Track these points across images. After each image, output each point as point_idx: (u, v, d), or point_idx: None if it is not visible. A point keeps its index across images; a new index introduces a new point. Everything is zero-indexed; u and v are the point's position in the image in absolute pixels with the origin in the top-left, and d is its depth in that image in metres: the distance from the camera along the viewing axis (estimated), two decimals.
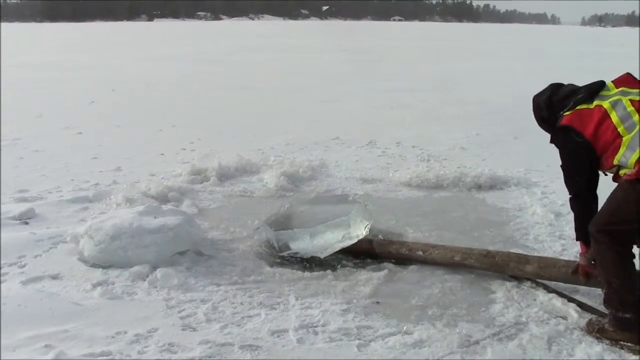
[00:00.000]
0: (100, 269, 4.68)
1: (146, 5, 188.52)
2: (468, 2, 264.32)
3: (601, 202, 3.81)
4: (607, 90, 3.88)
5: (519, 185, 7.11)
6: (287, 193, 6.97)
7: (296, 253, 4.94)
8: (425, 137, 10.19)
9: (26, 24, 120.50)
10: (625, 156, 3.61)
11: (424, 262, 4.80)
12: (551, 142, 4.04)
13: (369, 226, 5.17)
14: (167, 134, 10.60)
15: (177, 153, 9.01)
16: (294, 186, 7.18)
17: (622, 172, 3.67)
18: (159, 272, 4.52)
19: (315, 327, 3.86)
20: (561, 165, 3.99)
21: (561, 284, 4.33)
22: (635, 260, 3.69)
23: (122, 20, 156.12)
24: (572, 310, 4.03)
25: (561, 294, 4.23)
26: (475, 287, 4.46)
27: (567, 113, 3.89)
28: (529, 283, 4.43)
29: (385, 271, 4.67)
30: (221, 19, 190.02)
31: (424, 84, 18.38)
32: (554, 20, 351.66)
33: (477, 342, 3.67)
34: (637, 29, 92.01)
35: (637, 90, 3.76)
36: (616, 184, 3.75)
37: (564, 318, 3.96)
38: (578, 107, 3.86)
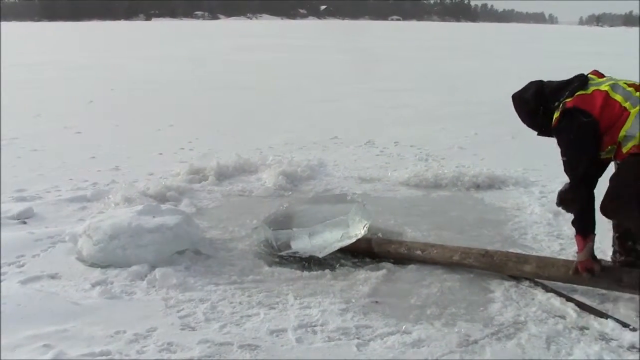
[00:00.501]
0: (99, 269, 4.68)
1: (144, 5, 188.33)
2: (466, 1, 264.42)
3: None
4: (593, 80, 4.15)
5: (517, 184, 7.12)
6: (286, 192, 6.97)
7: (295, 252, 4.94)
8: (423, 136, 10.19)
9: (23, 24, 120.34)
10: (634, 127, 3.84)
11: (422, 261, 4.80)
12: (555, 130, 4.12)
13: (367, 225, 5.17)
14: (165, 134, 10.60)
15: (176, 152, 9.01)
16: (292, 185, 7.18)
17: (626, 147, 3.88)
18: (157, 272, 4.52)
19: (314, 326, 3.86)
20: (565, 153, 4.07)
21: (559, 284, 4.33)
22: None
23: (119, 19, 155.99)
24: (570, 310, 4.03)
25: (559, 294, 4.23)
26: (473, 286, 4.46)
27: (568, 100, 4.04)
28: (527, 282, 4.43)
29: (384, 271, 4.67)
30: (219, 18, 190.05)
31: (422, 84, 18.38)
32: (552, 20, 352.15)
33: (475, 342, 3.67)
34: (634, 28, 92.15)
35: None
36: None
37: (563, 317, 3.96)
38: (578, 93, 4.04)
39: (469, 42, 49.39)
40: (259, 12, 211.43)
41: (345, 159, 8.60)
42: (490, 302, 4.21)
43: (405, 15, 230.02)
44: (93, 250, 4.77)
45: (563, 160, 4.11)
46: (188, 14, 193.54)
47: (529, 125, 4.43)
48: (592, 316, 3.96)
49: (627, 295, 4.15)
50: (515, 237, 5.52)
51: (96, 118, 12.23)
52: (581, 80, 4.15)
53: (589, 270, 4.09)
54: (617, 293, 4.19)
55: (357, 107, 14.04)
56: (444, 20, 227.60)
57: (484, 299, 4.26)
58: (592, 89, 4.06)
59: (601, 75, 4.23)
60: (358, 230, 5.04)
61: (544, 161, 7.60)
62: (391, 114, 12.88)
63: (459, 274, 4.63)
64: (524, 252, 4.84)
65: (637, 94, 3.97)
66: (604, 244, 4.69)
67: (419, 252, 4.83)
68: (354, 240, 4.99)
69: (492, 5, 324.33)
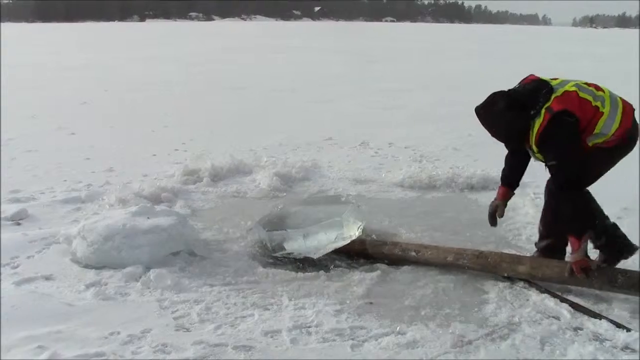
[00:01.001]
0: (93, 270, 4.68)
1: (138, 6, 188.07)
2: (460, 2, 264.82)
3: None
4: (554, 82, 4.28)
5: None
6: (280, 193, 6.98)
7: (289, 253, 4.95)
8: (417, 137, 10.20)
9: (18, 24, 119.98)
10: (606, 126, 4.09)
11: (417, 262, 4.82)
12: (543, 136, 4.10)
13: (361, 227, 5.18)
14: (159, 135, 10.58)
15: (170, 154, 9.00)
16: (286, 187, 7.19)
17: (592, 142, 4.15)
18: (152, 273, 4.51)
19: (309, 327, 3.87)
20: (559, 156, 4.09)
21: (554, 284, 4.35)
22: None
23: (114, 20, 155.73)
24: (564, 311, 4.05)
25: (554, 294, 4.25)
26: (468, 287, 4.48)
27: (548, 104, 4.09)
28: (521, 283, 4.45)
29: (379, 272, 4.68)
30: (213, 19, 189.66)
31: (416, 85, 18.39)
32: (545, 21, 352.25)
33: (470, 342, 3.68)
34: (628, 30, 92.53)
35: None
36: None
37: (557, 318, 3.98)
38: (555, 96, 4.11)
39: (463, 43, 49.39)
40: (254, 13, 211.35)
41: (340, 160, 8.61)
42: (484, 303, 4.23)
43: (399, 17, 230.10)
44: (87, 251, 4.76)
45: (553, 164, 4.11)
46: (182, 15, 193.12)
47: (504, 138, 4.46)
48: (586, 317, 3.98)
49: (621, 296, 4.17)
50: (509, 238, 5.54)
51: (90, 119, 12.19)
52: (547, 84, 4.22)
53: (584, 270, 4.11)
54: (611, 294, 4.21)
55: (351, 108, 14.04)
56: (437, 21, 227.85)
57: (478, 300, 4.27)
58: (561, 90, 4.16)
59: (554, 79, 4.34)
60: (352, 232, 5.05)
61: (537, 163, 7.59)
62: (385, 115, 12.90)
63: (453, 275, 4.64)
64: (518, 253, 4.85)
65: (599, 92, 4.18)
66: None
67: (413, 253, 4.84)
68: (348, 241, 5.00)
69: (485, 7, 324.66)
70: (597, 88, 4.23)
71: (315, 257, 4.89)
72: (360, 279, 4.55)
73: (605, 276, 4.12)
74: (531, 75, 4.45)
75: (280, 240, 4.95)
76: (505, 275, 4.51)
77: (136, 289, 4.38)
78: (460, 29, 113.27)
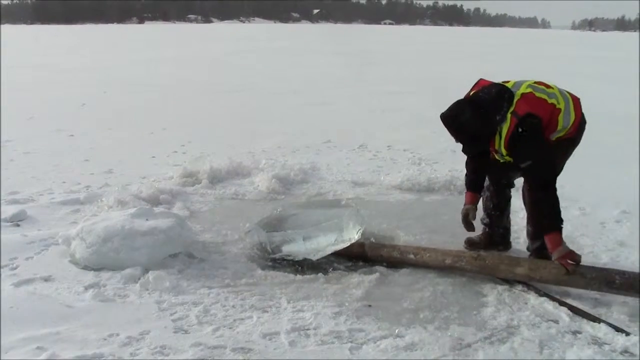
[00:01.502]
0: (92, 271, 4.67)
1: (137, 8, 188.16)
2: (459, 5, 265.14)
3: None
4: (508, 84, 4.51)
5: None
6: (279, 196, 6.97)
7: (288, 255, 4.94)
8: (416, 140, 10.20)
9: (16, 26, 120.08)
10: (565, 120, 4.41)
11: (415, 265, 4.82)
12: (513, 139, 4.26)
13: (361, 230, 5.18)
14: (158, 137, 10.58)
15: (169, 156, 9.00)
16: (285, 189, 7.18)
17: (556, 137, 4.46)
18: (150, 275, 4.51)
19: (307, 330, 3.87)
20: (531, 157, 4.28)
21: (553, 288, 4.36)
22: None
23: (112, 22, 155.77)
24: (563, 314, 4.06)
25: (553, 298, 4.25)
26: (466, 290, 4.48)
27: (511, 109, 4.27)
28: (520, 286, 4.45)
29: (377, 274, 4.68)
30: (212, 21, 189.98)
31: (415, 87, 18.39)
32: (544, 24, 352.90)
33: (468, 345, 3.68)
34: (627, 33, 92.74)
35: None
36: None
37: (556, 322, 3.98)
38: (516, 100, 4.30)
39: (462, 46, 49.41)
40: (252, 15, 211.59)
41: (338, 163, 8.62)
42: (483, 306, 4.23)
43: (398, 20, 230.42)
44: (86, 253, 4.76)
45: (529, 165, 4.28)
46: (181, 17, 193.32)
47: (471, 144, 4.61)
48: (585, 320, 3.98)
49: (620, 300, 4.17)
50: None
51: (89, 121, 12.19)
52: (507, 89, 4.40)
53: (575, 260, 4.21)
54: (610, 297, 4.21)
55: (350, 110, 14.06)
56: (436, 24, 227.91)
57: (477, 303, 4.27)
58: (519, 92, 4.36)
59: (506, 82, 4.57)
60: (352, 235, 5.04)
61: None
62: (384, 118, 12.90)
63: (451, 277, 4.65)
64: (516, 255, 4.85)
65: (550, 90, 4.46)
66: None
67: (412, 255, 4.84)
68: (347, 244, 5.00)
69: (484, 10, 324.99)
70: (547, 86, 4.51)
71: (314, 259, 4.88)
72: (359, 282, 4.55)
73: (603, 277, 4.12)
74: (481, 80, 4.68)
75: (280, 241, 4.95)
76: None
77: (135, 290, 4.38)
78: (459, 32, 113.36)
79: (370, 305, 4.21)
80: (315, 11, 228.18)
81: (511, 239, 5.42)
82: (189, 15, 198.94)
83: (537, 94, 4.36)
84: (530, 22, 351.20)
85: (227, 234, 5.67)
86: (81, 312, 4.03)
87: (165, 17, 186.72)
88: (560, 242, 4.23)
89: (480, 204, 5.26)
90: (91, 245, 4.77)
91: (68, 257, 4.91)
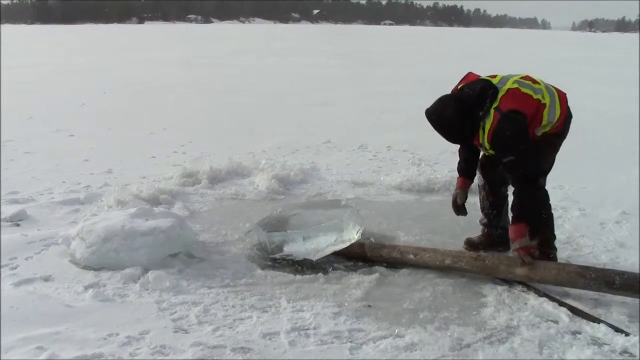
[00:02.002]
0: (92, 271, 4.67)
1: (136, 8, 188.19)
2: (459, 6, 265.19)
3: None
4: (495, 80, 4.51)
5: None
6: (279, 196, 6.97)
7: (288, 255, 4.94)
8: (416, 140, 10.17)
9: (16, 26, 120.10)
10: (550, 116, 4.43)
11: (415, 265, 4.82)
12: (495, 135, 4.29)
13: (361, 231, 5.18)
14: (158, 137, 10.58)
15: (169, 156, 9.00)
16: (285, 189, 7.18)
17: (541, 132, 4.48)
18: (150, 275, 4.51)
19: (307, 330, 3.87)
20: (513, 153, 4.29)
21: (552, 288, 4.35)
22: None
23: (112, 22, 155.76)
24: (563, 314, 4.05)
25: (552, 298, 4.25)
26: (466, 290, 4.48)
27: (495, 105, 4.31)
28: (519, 287, 4.45)
29: (377, 274, 4.68)
30: (212, 22, 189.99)
31: (415, 88, 18.36)
32: (544, 25, 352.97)
33: (468, 346, 3.68)
34: (627, 34, 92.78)
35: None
36: None
37: (555, 322, 3.98)
38: (500, 96, 4.33)
39: (462, 46, 49.41)
40: (252, 16, 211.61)
41: (338, 163, 8.61)
42: (482, 306, 4.23)
43: (398, 20, 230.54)
44: (86, 252, 4.76)
45: (510, 160, 4.29)
46: (181, 17, 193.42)
47: (455, 139, 4.73)
48: (584, 321, 3.98)
49: (619, 300, 4.17)
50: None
51: (89, 121, 12.19)
52: (492, 84, 4.43)
53: (533, 256, 4.32)
54: (609, 297, 4.21)
55: (350, 111, 14.05)
56: (436, 25, 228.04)
57: (477, 303, 4.27)
58: (504, 88, 4.38)
59: (493, 76, 4.58)
60: (352, 235, 5.04)
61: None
62: (384, 118, 12.89)
63: (451, 278, 4.65)
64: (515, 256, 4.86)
65: (537, 85, 4.50)
66: None
67: (411, 256, 4.84)
68: (347, 244, 5.00)
69: (484, 10, 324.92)
70: (534, 81, 4.53)
71: (314, 259, 4.88)
72: (359, 282, 4.55)
73: (603, 278, 4.11)
74: (470, 73, 4.76)
75: (280, 241, 4.94)
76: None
77: (134, 290, 4.38)
78: (459, 32, 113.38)
79: (370, 306, 4.21)
80: (315, 11, 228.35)
81: None
82: (189, 16, 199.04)
83: (523, 90, 4.39)
84: (530, 23, 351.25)
85: (227, 234, 5.67)
86: (81, 312, 4.03)
87: (165, 17, 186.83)
88: (524, 234, 4.30)
89: (478, 204, 5.27)
90: (91, 245, 4.77)
91: (68, 257, 4.91)
